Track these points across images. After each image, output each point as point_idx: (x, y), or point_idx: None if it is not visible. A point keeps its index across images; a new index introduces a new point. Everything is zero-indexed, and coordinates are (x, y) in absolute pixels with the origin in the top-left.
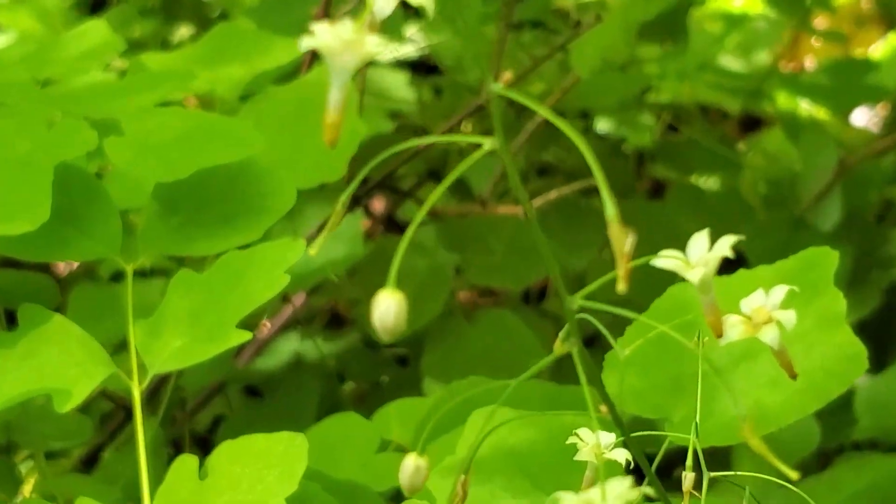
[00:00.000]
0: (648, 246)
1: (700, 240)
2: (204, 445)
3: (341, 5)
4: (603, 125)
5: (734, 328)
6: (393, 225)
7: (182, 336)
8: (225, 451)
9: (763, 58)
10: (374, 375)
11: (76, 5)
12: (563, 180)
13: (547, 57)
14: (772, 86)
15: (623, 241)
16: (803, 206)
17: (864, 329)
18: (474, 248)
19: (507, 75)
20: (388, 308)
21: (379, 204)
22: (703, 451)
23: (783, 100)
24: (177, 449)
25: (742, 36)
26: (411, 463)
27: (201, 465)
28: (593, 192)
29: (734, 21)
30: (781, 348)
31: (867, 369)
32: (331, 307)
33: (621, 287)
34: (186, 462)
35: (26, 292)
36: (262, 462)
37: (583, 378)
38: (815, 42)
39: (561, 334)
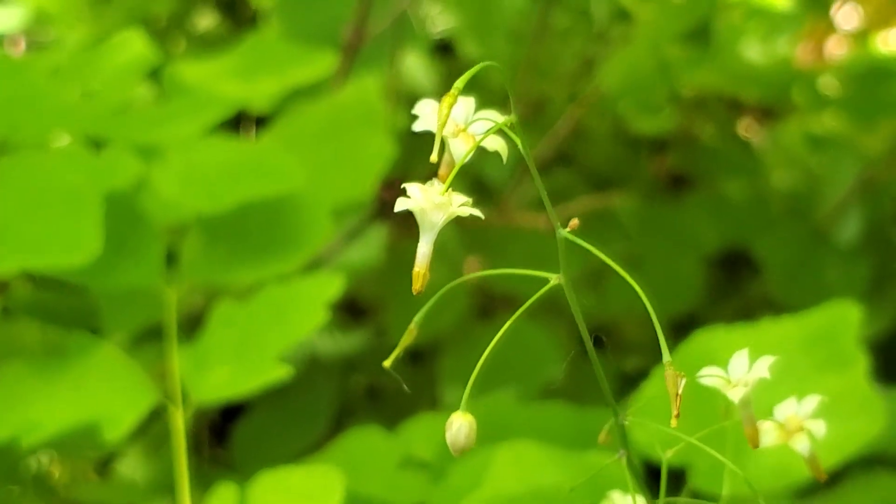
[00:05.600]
0: (669, 250)
1: (740, 360)
2: (219, 434)
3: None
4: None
5: (768, 435)
6: (404, 214)
7: (225, 367)
8: (263, 483)
9: (784, 45)
10: (388, 372)
11: None
12: (581, 174)
13: (576, 72)
14: (793, 82)
15: (676, 383)
16: (823, 214)
17: (879, 341)
18: (494, 255)
19: (574, 222)
20: (459, 429)
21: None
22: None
23: (803, 97)
24: (194, 438)
25: (764, 25)
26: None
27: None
28: (610, 191)
29: (756, 12)
30: (812, 455)
31: (880, 383)
32: (349, 299)
33: (674, 423)
34: (226, 491)
35: (68, 314)
36: (299, 495)
37: (632, 496)
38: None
39: (606, 427)
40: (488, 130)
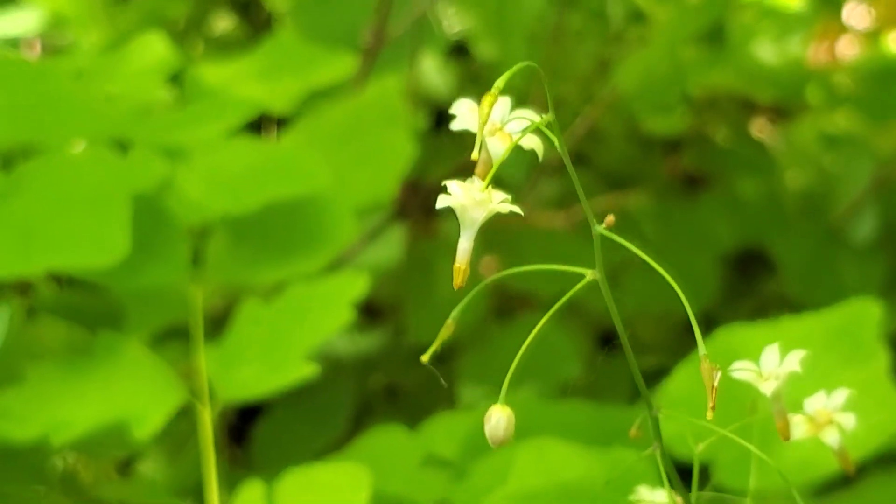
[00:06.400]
0: (684, 249)
1: (771, 353)
2: (238, 435)
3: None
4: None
5: (798, 428)
6: (423, 213)
7: (252, 366)
8: (290, 481)
9: (796, 45)
10: (406, 371)
11: None
12: (597, 174)
13: (592, 73)
14: (806, 82)
15: (712, 376)
16: (838, 213)
17: (895, 340)
18: (510, 255)
19: (610, 218)
20: (498, 422)
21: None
22: None
23: (816, 96)
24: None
25: (776, 25)
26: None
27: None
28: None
29: (769, 12)
30: (841, 448)
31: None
32: (366, 300)
33: (710, 416)
34: (253, 489)
35: (92, 314)
36: (326, 492)
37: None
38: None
39: (637, 421)
40: (526, 128)
